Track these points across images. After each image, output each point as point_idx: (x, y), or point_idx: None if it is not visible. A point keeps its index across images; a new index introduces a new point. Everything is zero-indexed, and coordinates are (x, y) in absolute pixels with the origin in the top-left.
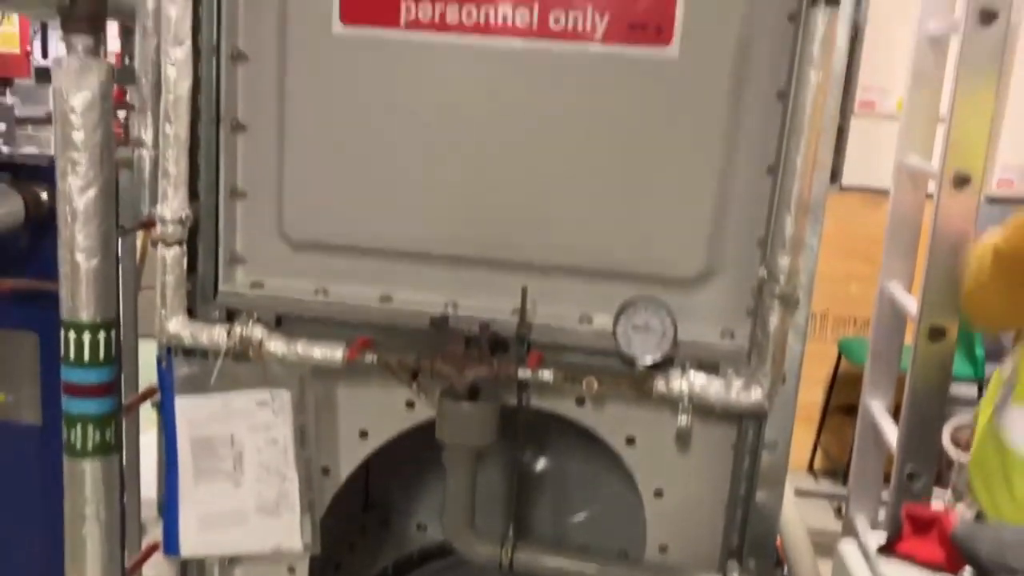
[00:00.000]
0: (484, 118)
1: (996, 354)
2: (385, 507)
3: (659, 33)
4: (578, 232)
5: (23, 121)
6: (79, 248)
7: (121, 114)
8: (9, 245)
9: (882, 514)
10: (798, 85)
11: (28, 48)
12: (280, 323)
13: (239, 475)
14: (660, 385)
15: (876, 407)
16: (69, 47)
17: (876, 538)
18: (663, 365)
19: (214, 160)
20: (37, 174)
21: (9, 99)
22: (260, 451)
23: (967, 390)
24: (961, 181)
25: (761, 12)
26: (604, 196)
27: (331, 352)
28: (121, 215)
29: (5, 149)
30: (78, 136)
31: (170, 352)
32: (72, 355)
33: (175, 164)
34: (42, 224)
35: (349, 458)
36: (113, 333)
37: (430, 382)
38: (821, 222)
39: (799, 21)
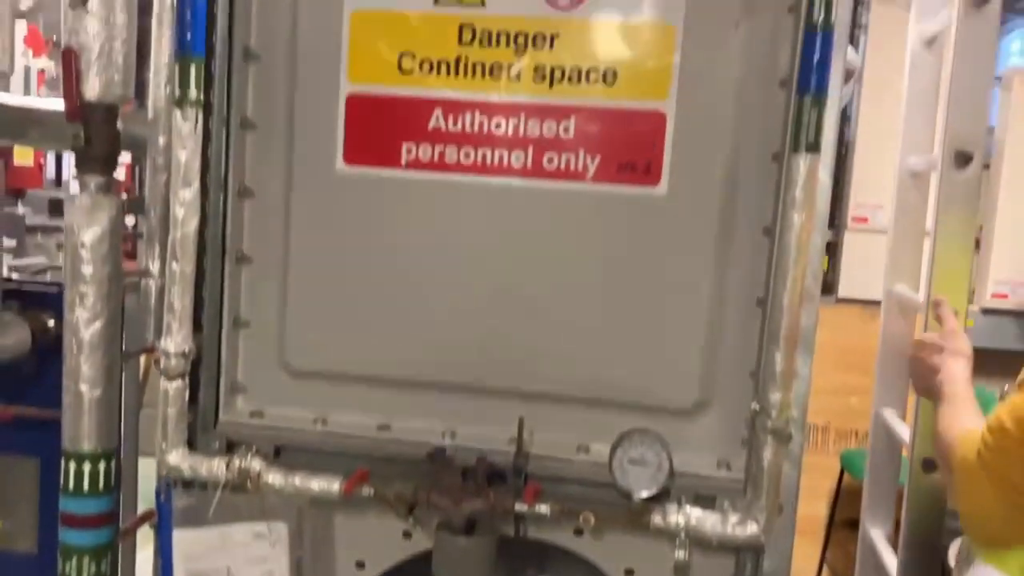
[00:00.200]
0: (481, 253)
1: None
2: None
3: (648, 173)
4: (574, 362)
5: (33, 229)
6: (83, 378)
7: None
8: (14, 371)
9: None
10: (782, 226)
11: (42, 160)
12: (279, 453)
13: None
14: (657, 518)
15: (875, 535)
16: (82, 185)
17: None
18: (659, 498)
19: (218, 292)
20: (45, 301)
21: (21, 209)
22: None
23: None
24: None
25: (746, 153)
26: (599, 327)
27: (328, 484)
28: (126, 338)
29: (15, 275)
30: (87, 270)
31: (168, 486)
32: (71, 485)
33: (180, 299)
34: (48, 350)
35: None
36: (113, 463)
37: (427, 514)
38: (812, 351)
39: (782, 162)
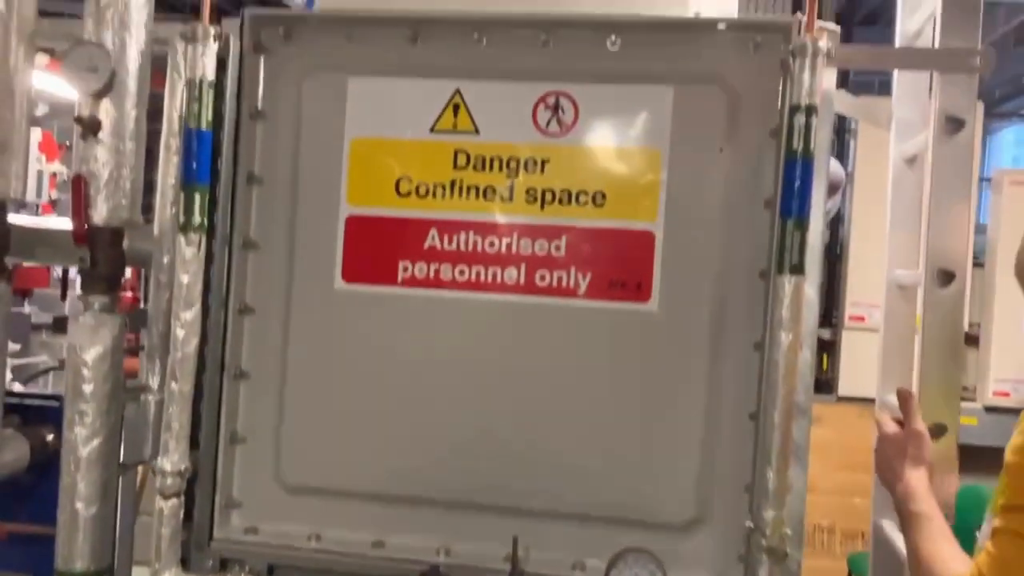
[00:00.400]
0: (476, 368)
1: None
2: None
3: (639, 290)
4: (568, 478)
5: (38, 327)
6: (79, 496)
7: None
8: (11, 487)
9: None
10: (771, 344)
11: None
12: (272, 572)
13: None
14: None
15: None
16: (86, 305)
17: None
18: None
19: (216, 408)
20: (45, 416)
21: (27, 308)
22: None
23: None
24: (938, 431)
25: (734, 271)
26: (593, 443)
27: None
28: (124, 449)
29: (17, 385)
30: (88, 388)
31: None
32: None
33: (177, 419)
34: (46, 464)
35: None
36: None
37: None
38: (806, 465)
39: (769, 279)
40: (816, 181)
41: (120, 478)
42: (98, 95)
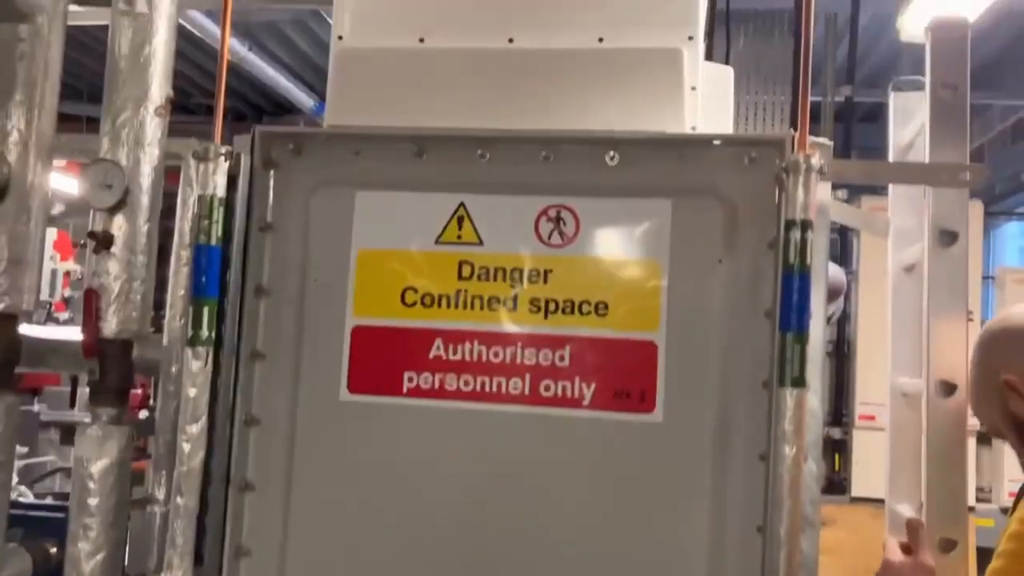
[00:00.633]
0: (480, 479)
1: None
2: None
3: (643, 401)
4: None
5: (47, 425)
6: None
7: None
8: None
9: None
10: (774, 458)
11: None
12: None
13: None
14: None
15: None
16: (94, 417)
17: None
18: None
19: (221, 522)
20: (48, 526)
21: (36, 407)
22: None
23: None
24: (947, 546)
25: (736, 381)
26: (598, 555)
27: None
28: (128, 561)
29: (23, 490)
30: (93, 501)
31: None
32: None
33: (182, 534)
34: None
35: None
36: None
37: None
38: None
39: (771, 391)
40: (815, 292)
41: None
42: (112, 211)
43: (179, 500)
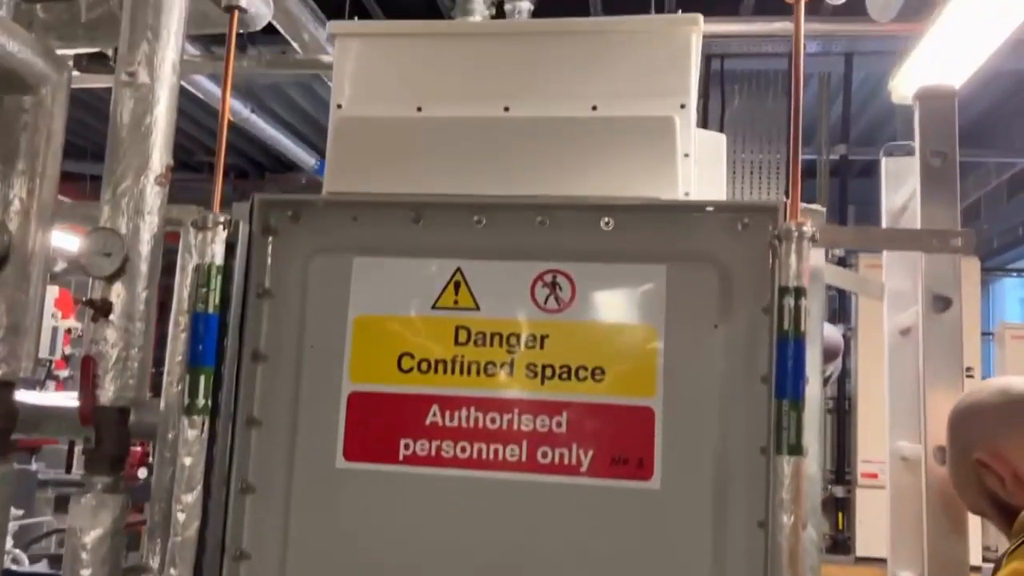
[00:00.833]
0: (478, 547)
1: None
2: None
3: (640, 467)
4: None
5: (44, 484)
6: None
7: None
8: None
9: None
10: (773, 526)
11: None
12: None
13: None
14: None
15: None
16: (89, 485)
17: None
18: None
19: None
20: None
21: (34, 465)
22: None
23: None
24: None
25: (734, 447)
26: None
27: None
28: None
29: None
30: (86, 572)
31: None
32: None
33: None
34: None
35: None
36: None
37: None
38: None
39: (768, 456)
40: (810, 356)
41: None
42: (110, 279)
43: (173, 572)
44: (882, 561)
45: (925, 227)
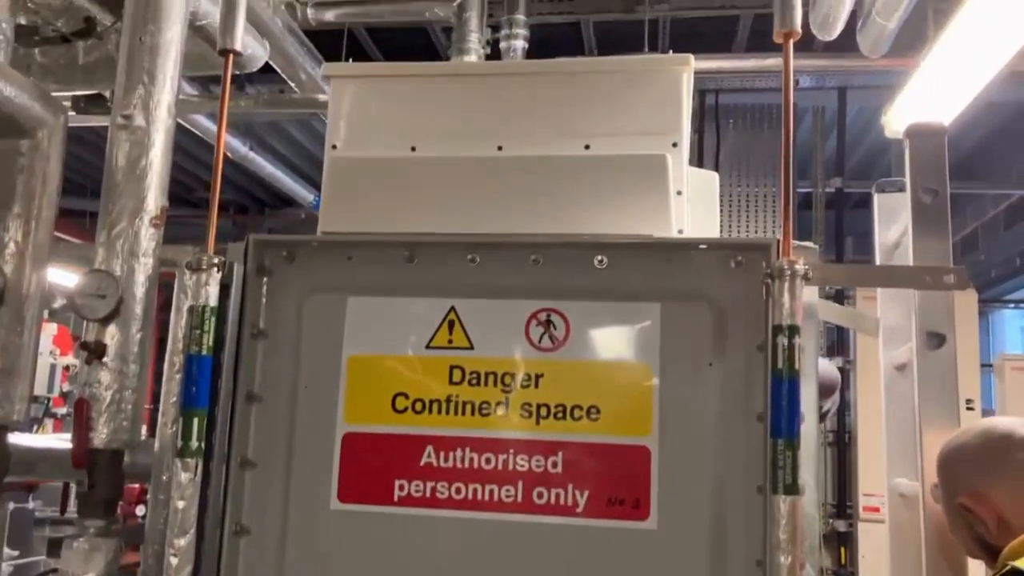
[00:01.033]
0: None
1: None
2: None
3: (637, 508)
4: None
5: (42, 522)
6: None
7: None
8: None
9: None
10: (770, 566)
11: None
12: None
13: None
14: None
15: None
16: (82, 529)
17: None
18: None
19: None
20: None
21: (31, 504)
22: None
23: None
24: None
25: (731, 486)
26: None
27: None
28: None
29: None
30: None
31: None
32: None
33: None
34: None
35: None
36: None
37: None
38: None
39: (765, 496)
40: (805, 394)
41: None
42: (105, 321)
43: None
44: None
45: (918, 263)
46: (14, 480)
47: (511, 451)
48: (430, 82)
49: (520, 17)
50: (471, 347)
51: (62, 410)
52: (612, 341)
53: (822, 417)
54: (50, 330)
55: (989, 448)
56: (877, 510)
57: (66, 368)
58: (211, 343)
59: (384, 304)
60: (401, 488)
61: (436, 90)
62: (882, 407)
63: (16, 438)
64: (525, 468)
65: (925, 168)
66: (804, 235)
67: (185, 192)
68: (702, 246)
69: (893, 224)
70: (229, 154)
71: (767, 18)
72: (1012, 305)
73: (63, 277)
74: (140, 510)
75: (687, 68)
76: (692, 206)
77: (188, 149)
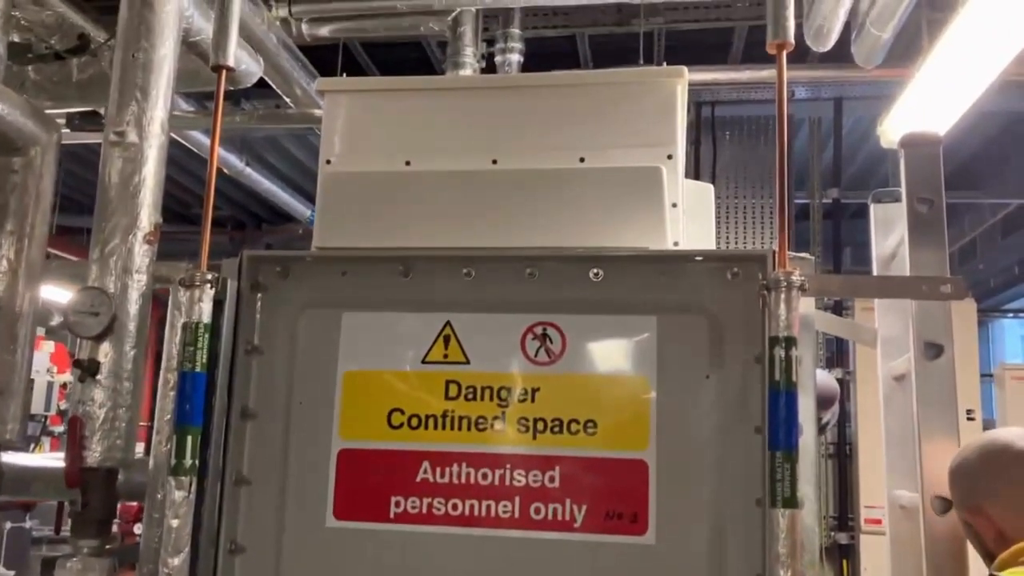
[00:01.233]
0: None
1: None
2: None
3: (635, 522)
4: None
5: (39, 542)
6: None
7: None
8: None
9: None
10: None
11: None
12: None
13: None
14: None
15: None
16: (75, 549)
17: None
18: None
19: None
20: None
21: (28, 523)
22: None
23: None
24: None
25: (730, 500)
26: None
27: None
28: None
29: None
30: None
31: None
32: None
33: None
34: None
35: None
36: None
37: None
38: None
39: (764, 509)
40: (803, 406)
41: None
42: (98, 339)
43: None
44: None
45: (914, 273)
46: (8, 500)
47: (508, 466)
48: (424, 96)
49: (515, 31)
50: (467, 362)
51: (59, 429)
52: (608, 354)
53: (821, 429)
54: (48, 348)
55: (987, 463)
56: (879, 522)
57: (63, 386)
58: (205, 360)
59: (379, 319)
60: (397, 505)
61: (430, 104)
62: (881, 419)
63: (10, 457)
64: (522, 483)
65: (920, 178)
66: (802, 246)
67: (183, 208)
68: (698, 258)
69: (890, 234)
70: (225, 169)
71: (762, 30)
72: (1011, 314)
73: (61, 295)
74: (138, 529)
75: (681, 80)
76: (688, 218)
77: (185, 165)
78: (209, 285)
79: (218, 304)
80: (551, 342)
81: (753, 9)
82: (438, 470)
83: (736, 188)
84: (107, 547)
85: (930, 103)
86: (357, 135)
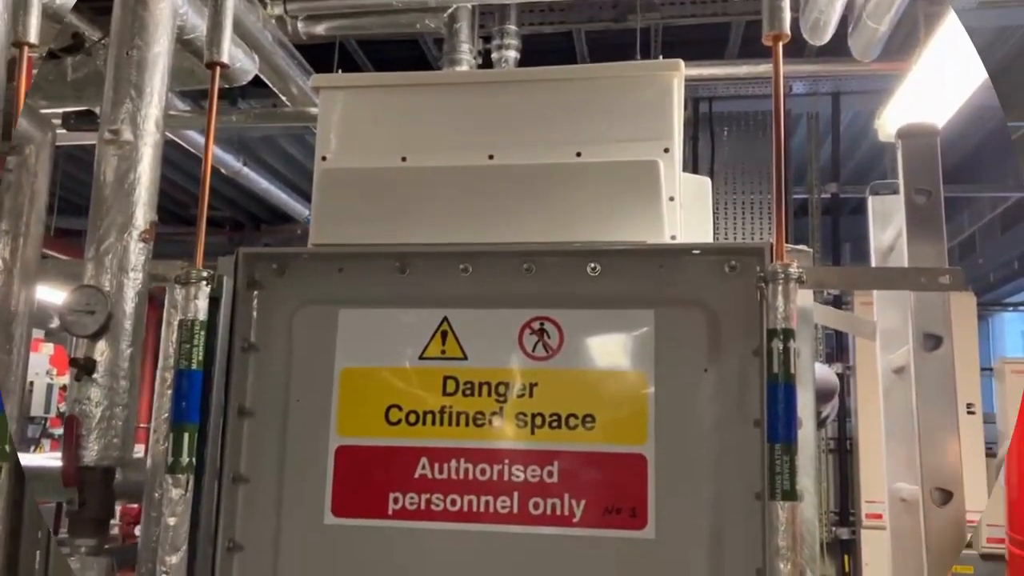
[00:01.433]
0: None
1: None
2: None
3: (634, 517)
4: None
5: None
6: None
7: None
8: None
9: None
10: (771, 573)
11: None
12: None
13: None
14: None
15: None
16: (72, 549)
17: None
18: None
19: None
20: None
21: None
22: None
23: None
24: None
25: (729, 493)
26: None
27: None
28: None
29: None
30: None
31: None
32: None
33: None
34: None
35: None
36: None
37: None
38: None
39: (763, 502)
40: (802, 399)
41: None
42: (94, 337)
43: None
44: None
45: (912, 265)
46: None
47: (506, 461)
48: (419, 92)
49: (511, 27)
50: (464, 357)
51: (59, 431)
52: (606, 349)
53: (821, 423)
54: (48, 350)
55: None
56: (880, 517)
57: (63, 388)
58: (201, 357)
59: (376, 316)
60: (395, 501)
61: (426, 100)
62: (881, 411)
63: None
64: (521, 478)
65: (918, 169)
66: (801, 241)
67: (181, 210)
68: (695, 251)
69: (888, 227)
70: (223, 170)
71: (758, 25)
72: (1011, 308)
73: (58, 296)
74: (139, 530)
75: (678, 73)
76: (685, 212)
77: (182, 166)
78: (205, 282)
79: (214, 301)
80: (549, 337)
81: (749, 4)
82: (436, 466)
83: (734, 184)
84: (104, 546)
85: (927, 95)
86: (353, 131)
